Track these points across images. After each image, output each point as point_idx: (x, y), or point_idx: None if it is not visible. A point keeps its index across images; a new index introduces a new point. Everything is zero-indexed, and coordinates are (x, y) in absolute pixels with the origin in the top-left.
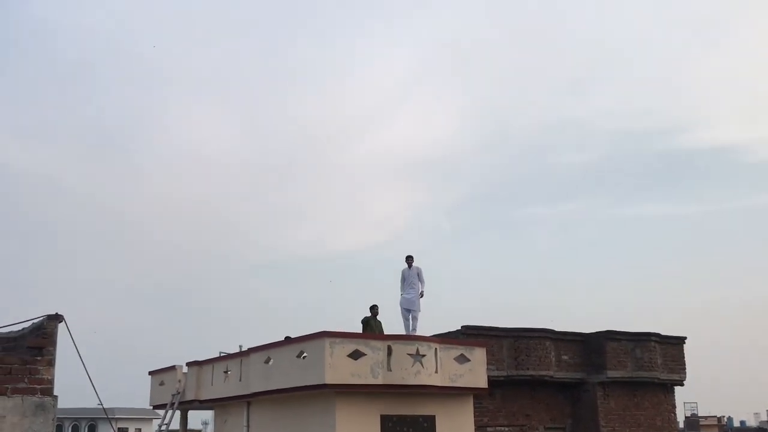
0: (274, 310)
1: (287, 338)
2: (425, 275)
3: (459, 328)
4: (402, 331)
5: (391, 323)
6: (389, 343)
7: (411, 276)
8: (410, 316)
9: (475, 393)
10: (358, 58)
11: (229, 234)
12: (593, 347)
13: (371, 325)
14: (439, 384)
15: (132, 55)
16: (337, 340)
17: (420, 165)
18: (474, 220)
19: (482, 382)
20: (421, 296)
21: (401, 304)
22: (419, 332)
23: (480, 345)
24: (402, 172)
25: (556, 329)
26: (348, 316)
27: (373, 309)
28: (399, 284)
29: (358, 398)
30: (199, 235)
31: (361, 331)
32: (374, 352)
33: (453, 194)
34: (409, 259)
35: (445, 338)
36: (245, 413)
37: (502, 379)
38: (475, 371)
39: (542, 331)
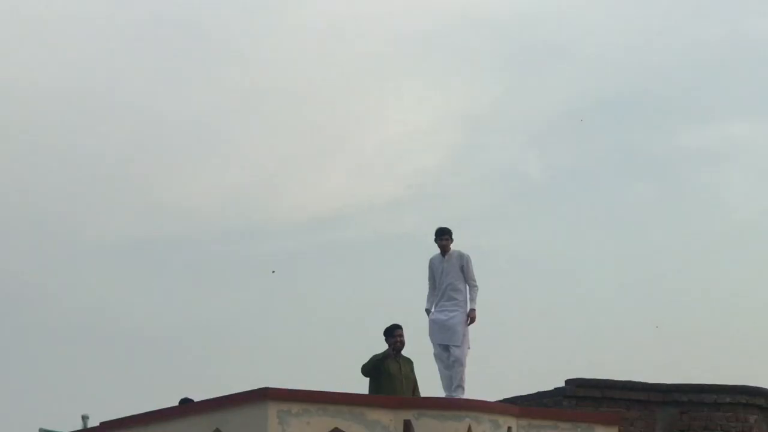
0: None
1: (185, 401)
2: (477, 270)
3: (562, 384)
4: (436, 387)
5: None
6: (409, 414)
7: (448, 273)
8: (449, 358)
9: None
10: None
11: None
12: None
13: (388, 372)
14: None
15: None
16: (295, 406)
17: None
18: (596, 153)
19: None
20: (471, 321)
21: (431, 333)
22: (468, 391)
23: (606, 420)
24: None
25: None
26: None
27: (393, 334)
28: (426, 290)
29: None
30: None
31: (368, 385)
32: None
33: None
34: (444, 238)
35: (531, 406)
36: None
37: None
38: None
39: (740, 391)
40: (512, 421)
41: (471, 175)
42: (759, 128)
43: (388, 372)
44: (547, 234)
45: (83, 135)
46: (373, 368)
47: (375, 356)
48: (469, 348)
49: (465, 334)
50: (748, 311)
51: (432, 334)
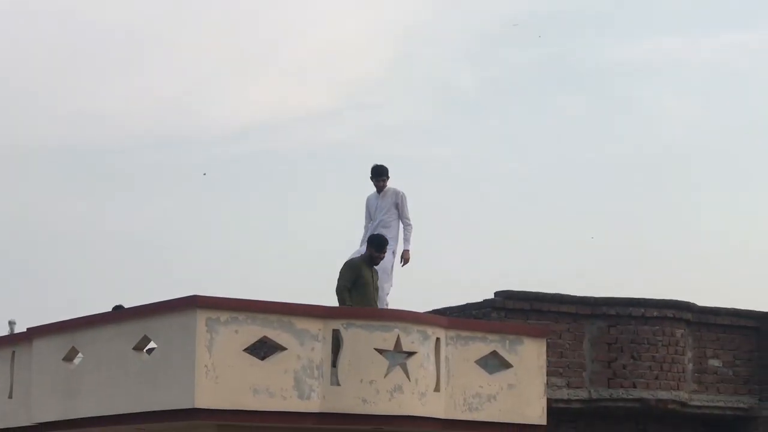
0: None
1: (117, 308)
2: (409, 181)
3: (491, 296)
4: None
5: None
6: (338, 323)
7: (382, 209)
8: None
9: None
10: None
11: None
12: None
13: (364, 279)
14: (444, 417)
15: None
16: (224, 314)
17: None
18: (525, 66)
19: (536, 413)
20: (405, 261)
21: None
22: (397, 302)
23: (534, 333)
24: None
25: (696, 303)
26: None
27: (376, 244)
28: (362, 228)
29: None
30: None
31: (339, 296)
32: (304, 342)
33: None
34: (381, 179)
35: (460, 318)
36: None
37: (579, 407)
38: (523, 389)
39: (667, 305)
40: (441, 332)
41: (404, 86)
42: (690, 43)
43: (363, 279)
44: (478, 145)
45: (5, 41)
46: (353, 273)
47: (352, 261)
48: (391, 286)
49: (391, 275)
50: (676, 225)
51: None
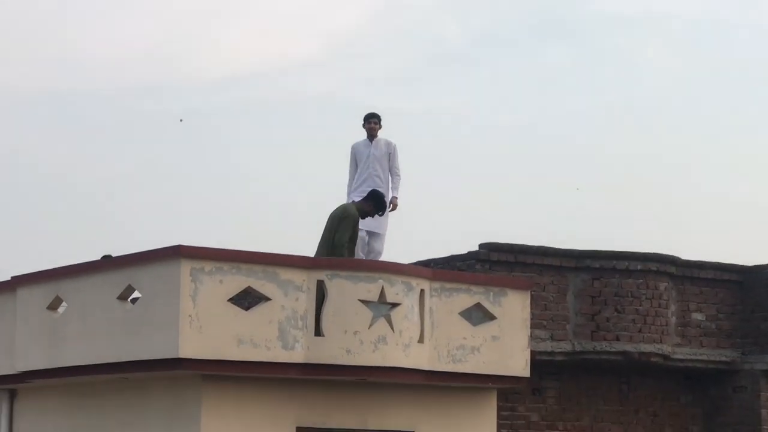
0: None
1: (105, 258)
2: (392, 131)
3: (475, 248)
4: None
5: None
6: (322, 274)
7: (373, 159)
8: (368, 245)
9: (504, 388)
10: None
11: None
12: (759, 298)
13: (356, 235)
14: (427, 368)
15: None
16: (209, 264)
17: None
18: (512, 16)
19: (519, 366)
20: (393, 207)
21: None
22: (382, 254)
23: (518, 285)
24: None
25: (681, 257)
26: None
27: (378, 202)
28: (347, 176)
29: (252, 393)
30: None
31: (322, 244)
32: (288, 293)
33: None
34: (372, 122)
35: (444, 269)
36: (4, 412)
37: (562, 359)
38: (507, 341)
39: (651, 259)
40: (425, 284)
41: (387, 36)
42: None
43: (356, 234)
44: (463, 96)
45: None
46: (342, 223)
47: (350, 213)
48: (384, 235)
49: (386, 224)
50: (661, 178)
51: None
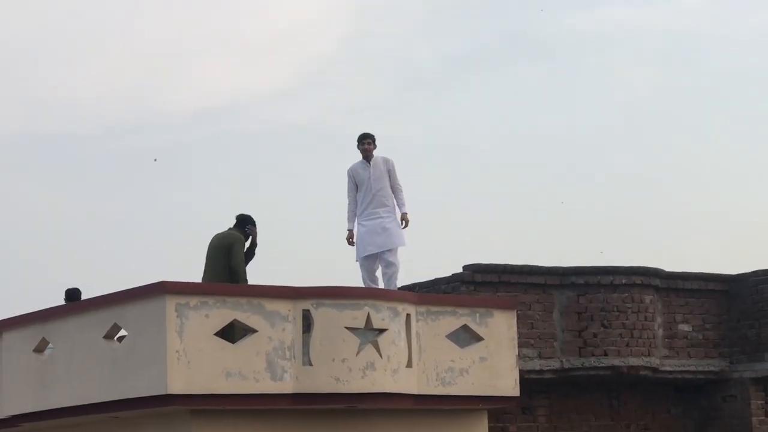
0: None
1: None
2: (400, 174)
3: (459, 270)
4: None
5: None
6: (307, 303)
7: (377, 179)
8: (381, 269)
9: (494, 408)
10: None
11: None
12: (744, 306)
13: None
14: (417, 392)
15: None
16: (193, 299)
17: None
18: (485, 37)
19: (509, 385)
20: (405, 224)
21: (362, 243)
22: None
23: (504, 305)
24: None
25: (665, 269)
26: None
27: (244, 223)
28: (346, 201)
29: (242, 426)
30: None
31: (213, 272)
32: (275, 324)
33: None
34: (366, 143)
35: (429, 293)
36: None
37: (551, 377)
38: (495, 362)
39: (635, 272)
40: (411, 309)
41: (362, 63)
42: (644, 12)
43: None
44: (439, 120)
45: None
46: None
47: (231, 234)
48: (398, 254)
49: (402, 238)
50: (640, 191)
51: (363, 244)
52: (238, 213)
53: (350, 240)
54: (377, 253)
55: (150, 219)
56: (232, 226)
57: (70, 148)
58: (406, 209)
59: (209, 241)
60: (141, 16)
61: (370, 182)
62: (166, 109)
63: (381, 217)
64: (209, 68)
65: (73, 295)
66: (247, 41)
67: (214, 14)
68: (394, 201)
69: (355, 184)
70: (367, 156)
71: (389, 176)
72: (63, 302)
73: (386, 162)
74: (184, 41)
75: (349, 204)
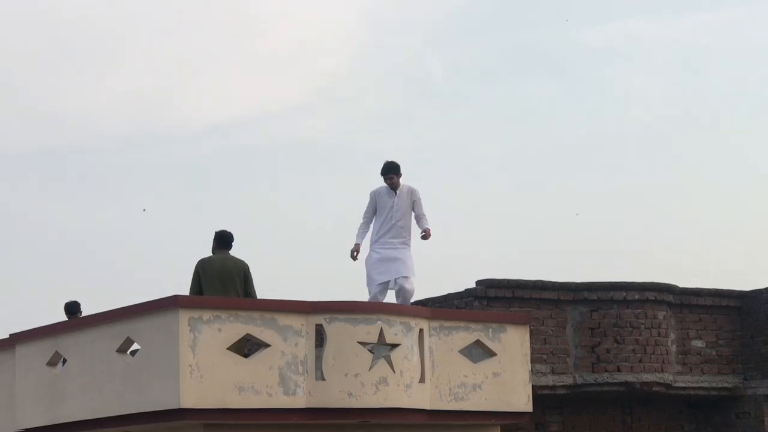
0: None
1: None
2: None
3: (472, 285)
4: None
5: None
6: (320, 318)
7: (399, 209)
8: (395, 295)
9: (507, 424)
10: None
11: None
12: (758, 323)
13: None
14: (429, 407)
15: None
16: (206, 313)
17: None
18: (495, 50)
19: (522, 401)
20: (427, 236)
21: (373, 270)
22: None
23: (517, 320)
24: None
25: (678, 285)
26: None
27: (228, 241)
28: (361, 220)
29: None
30: None
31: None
32: (288, 338)
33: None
34: (390, 177)
35: (442, 308)
36: None
37: (564, 393)
38: (508, 377)
39: (648, 288)
40: (424, 324)
41: (373, 76)
42: (655, 25)
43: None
44: (451, 133)
45: None
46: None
47: (241, 261)
48: (413, 283)
49: (411, 268)
50: (650, 207)
51: (375, 272)
52: (218, 231)
53: (354, 254)
54: (395, 279)
55: (165, 232)
56: (215, 245)
57: (85, 161)
58: (429, 227)
59: (208, 264)
60: (156, 31)
61: (393, 212)
62: (180, 122)
63: (396, 248)
64: (223, 82)
65: (72, 308)
66: (260, 56)
67: (228, 29)
68: (410, 235)
69: (374, 208)
70: (393, 187)
71: (413, 207)
72: (64, 316)
73: (412, 193)
74: (199, 56)
75: (362, 223)
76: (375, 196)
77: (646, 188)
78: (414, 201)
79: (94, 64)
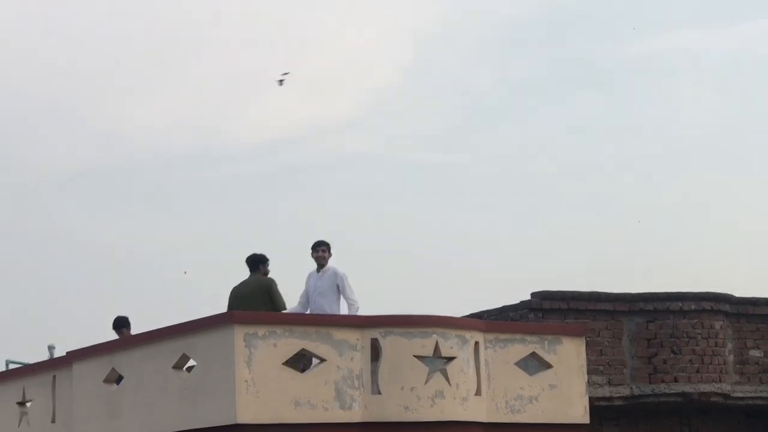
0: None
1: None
2: (352, 286)
3: (527, 297)
4: None
5: None
6: (375, 332)
7: (321, 293)
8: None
9: None
10: None
11: None
12: None
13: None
14: (486, 420)
15: None
16: (262, 328)
17: None
18: (546, 65)
19: (578, 413)
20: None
21: None
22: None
23: (573, 332)
24: None
25: (734, 294)
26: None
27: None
28: (295, 306)
29: None
30: None
31: None
32: (343, 353)
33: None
34: (320, 250)
35: (497, 321)
36: None
37: (621, 404)
38: (564, 389)
39: (705, 298)
40: (479, 336)
41: (424, 92)
42: (709, 38)
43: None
44: (504, 147)
45: (32, 65)
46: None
47: (265, 278)
48: None
49: None
50: (706, 217)
51: None
52: (248, 255)
53: None
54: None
55: (217, 249)
56: (250, 271)
57: (137, 179)
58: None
59: (232, 291)
60: (206, 48)
61: (314, 296)
62: (232, 141)
63: None
64: (274, 100)
65: (120, 323)
66: (311, 73)
67: (278, 47)
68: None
69: (306, 292)
70: (319, 264)
71: (337, 290)
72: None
73: (335, 275)
74: (249, 74)
75: (296, 306)
76: (306, 279)
77: (701, 199)
78: (338, 284)
79: (146, 84)
